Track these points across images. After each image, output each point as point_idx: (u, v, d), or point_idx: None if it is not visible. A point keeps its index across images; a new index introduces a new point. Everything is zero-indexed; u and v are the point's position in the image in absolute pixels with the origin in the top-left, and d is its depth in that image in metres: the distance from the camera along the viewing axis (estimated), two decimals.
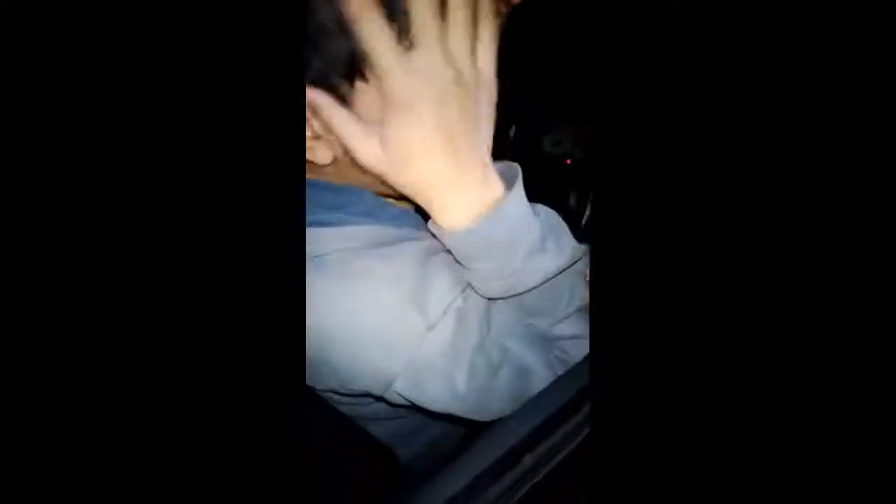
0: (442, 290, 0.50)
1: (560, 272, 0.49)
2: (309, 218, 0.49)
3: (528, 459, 0.44)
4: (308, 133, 0.46)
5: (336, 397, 0.59)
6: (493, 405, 0.52)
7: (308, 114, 0.44)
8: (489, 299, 0.52)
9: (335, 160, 0.48)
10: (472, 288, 0.51)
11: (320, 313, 0.47)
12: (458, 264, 0.50)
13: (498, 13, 0.43)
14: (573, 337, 0.54)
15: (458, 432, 0.71)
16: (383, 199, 0.53)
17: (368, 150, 0.43)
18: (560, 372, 0.53)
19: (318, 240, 0.49)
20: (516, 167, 0.49)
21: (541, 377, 0.52)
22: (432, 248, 0.52)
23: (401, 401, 0.52)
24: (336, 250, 0.49)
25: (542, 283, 0.49)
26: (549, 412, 0.45)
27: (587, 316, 0.54)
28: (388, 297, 0.48)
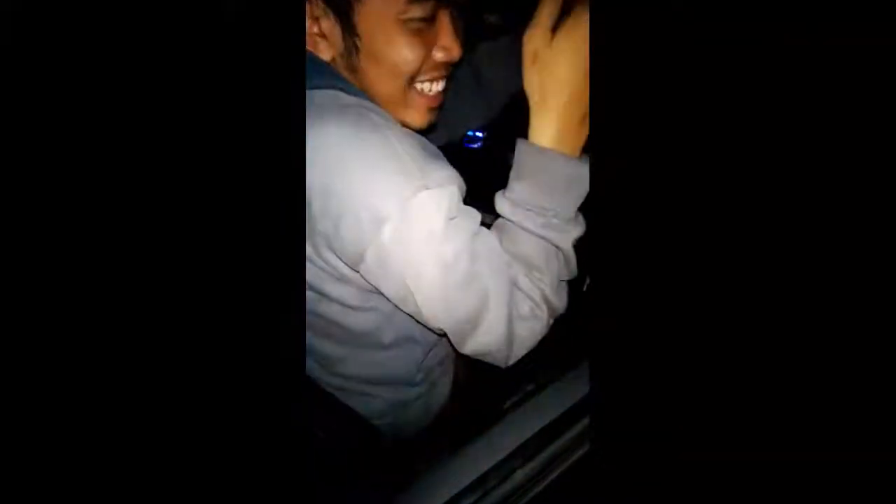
0: (442, 171, 0.53)
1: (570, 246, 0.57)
2: (318, 80, 0.53)
3: (519, 475, 0.42)
4: (315, 30, 0.54)
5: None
6: (457, 311, 0.54)
7: (320, 12, 0.53)
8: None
9: (333, 59, 0.55)
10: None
11: (335, 148, 0.49)
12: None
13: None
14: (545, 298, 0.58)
15: (429, 413, 0.72)
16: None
17: (531, 76, 0.53)
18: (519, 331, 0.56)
19: (333, 97, 0.53)
20: None
21: (497, 316, 0.55)
22: (428, 142, 0.58)
23: (379, 268, 0.52)
24: (350, 104, 0.52)
25: (562, 246, 0.56)
26: (542, 423, 0.43)
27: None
28: (398, 147, 0.51)
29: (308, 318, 0.61)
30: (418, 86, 0.57)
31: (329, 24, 0.52)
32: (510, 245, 0.56)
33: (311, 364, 0.66)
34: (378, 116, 0.52)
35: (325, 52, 0.54)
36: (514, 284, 0.55)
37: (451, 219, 0.52)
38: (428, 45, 0.54)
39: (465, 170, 1.02)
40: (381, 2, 0.50)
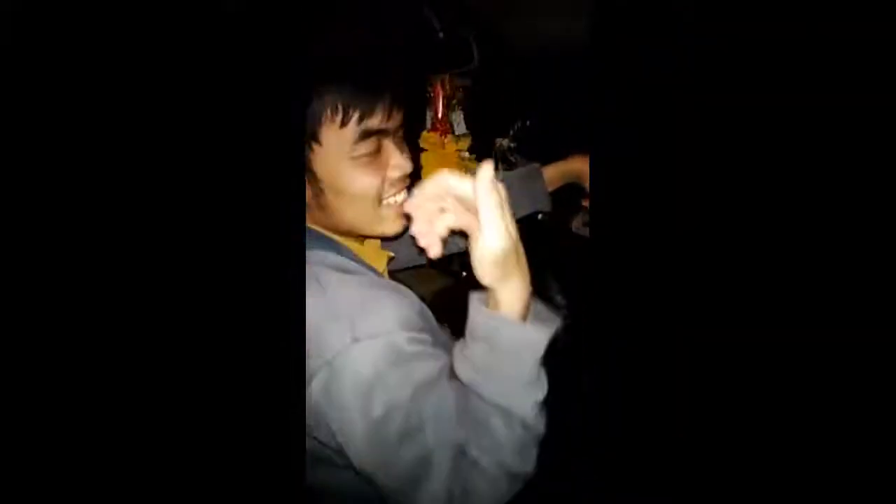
0: (379, 318, 0.55)
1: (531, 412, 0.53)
2: None
3: None
4: None
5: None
6: (394, 469, 0.53)
7: None
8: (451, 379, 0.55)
9: (307, 205, 0.60)
10: (437, 361, 0.56)
11: None
12: (414, 315, 0.58)
13: None
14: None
15: None
16: (330, 236, 0.64)
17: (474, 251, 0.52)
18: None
19: None
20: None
21: (439, 485, 0.52)
22: (384, 283, 0.62)
23: (312, 420, 0.53)
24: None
25: (522, 413, 0.53)
26: None
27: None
28: (327, 304, 0.55)
29: None
30: (385, 202, 0.62)
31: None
32: (464, 407, 0.53)
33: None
34: (323, 268, 0.58)
35: None
36: (462, 453, 0.52)
37: (389, 370, 0.52)
38: (381, 169, 0.61)
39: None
40: (333, 147, 0.57)
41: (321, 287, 0.56)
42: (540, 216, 0.97)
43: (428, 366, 0.54)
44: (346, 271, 0.60)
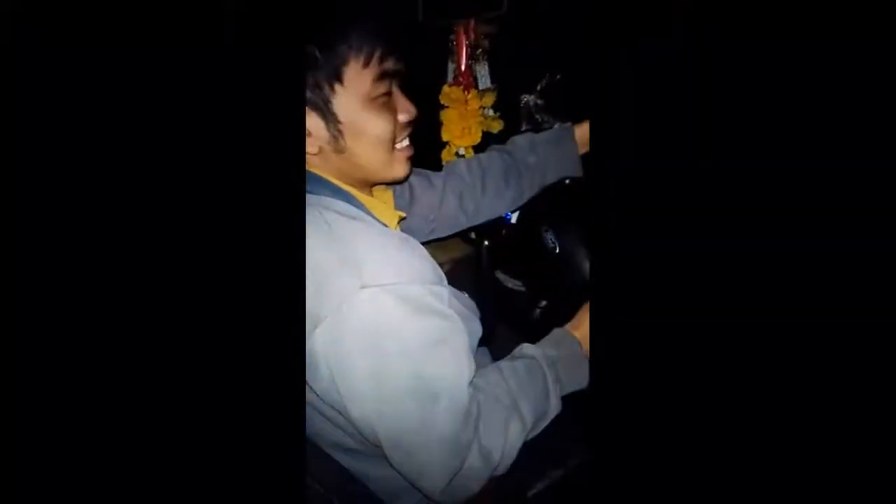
0: (391, 267, 0.56)
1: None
2: None
3: None
4: None
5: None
6: (396, 423, 0.54)
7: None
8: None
9: (320, 150, 0.62)
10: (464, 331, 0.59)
11: None
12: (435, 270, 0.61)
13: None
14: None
15: None
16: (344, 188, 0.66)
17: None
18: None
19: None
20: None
21: (441, 448, 0.55)
22: (396, 234, 0.64)
23: (324, 379, 0.54)
24: (309, 205, 0.58)
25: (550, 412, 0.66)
26: None
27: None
28: (335, 248, 0.55)
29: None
30: (397, 146, 0.65)
31: (312, 122, 0.60)
32: (488, 388, 0.60)
33: (325, 445, 0.64)
34: (335, 214, 0.59)
35: (311, 147, 0.61)
36: (475, 428, 0.56)
37: (400, 320, 0.53)
38: (394, 112, 0.63)
39: (496, 239, 1.02)
40: (354, 88, 0.59)
41: (330, 230, 0.57)
42: (568, 181, 0.91)
43: (445, 324, 0.56)
44: (355, 218, 0.60)
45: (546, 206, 0.91)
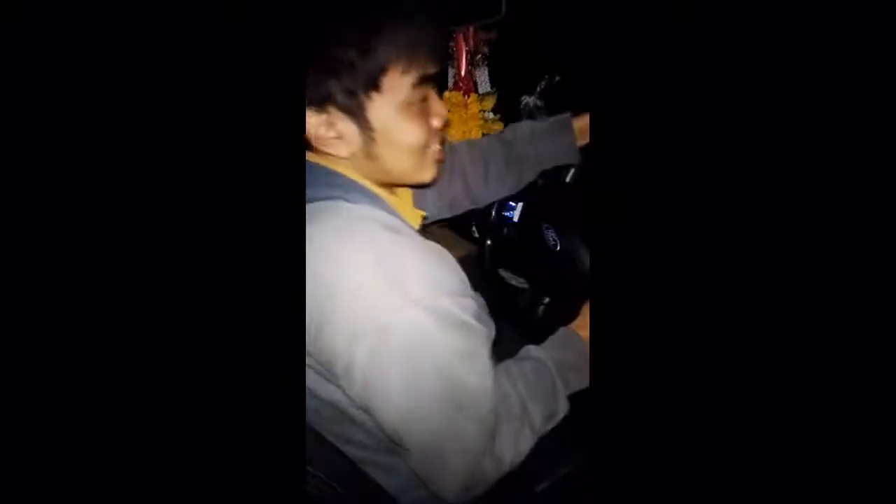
0: (430, 282, 0.56)
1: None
2: (324, 193, 0.60)
3: None
4: (332, 134, 0.60)
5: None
6: (425, 435, 0.56)
7: (335, 118, 0.59)
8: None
9: (351, 154, 0.61)
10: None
11: (326, 264, 0.55)
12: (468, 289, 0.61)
13: None
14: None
15: None
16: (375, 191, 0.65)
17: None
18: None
19: (335, 209, 0.59)
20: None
21: (464, 458, 0.57)
22: (430, 245, 0.62)
23: (357, 385, 0.55)
24: (353, 216, 0.59)
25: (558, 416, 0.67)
26: None
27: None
28: (379, 263, 0.55)
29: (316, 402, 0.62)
30: (429, 151, 0.64)
31: (345, 126, 0.59)
32: (505, 393, 0.61)
33: (332, 438, 0.64)
34: (377, 226, 0.58)
35: (342, 151, 0.61)
36: (492, 438, 0.58)
37: (437, 334, 0.54)
38: (427, 117, 0.62)
39: (499, 237, 1.02)
40: (391, 95, 0.58)
41: (372, 244, 0.56)
42: (568, 180, 0.92)
43: (473, 335, 0.57)
44: (395, 230, 0.59)
45: (548, 204, 0.92)
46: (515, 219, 0.98)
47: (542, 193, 0.93)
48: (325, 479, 0.55)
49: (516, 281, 1.01)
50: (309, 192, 0.58)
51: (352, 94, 0.56)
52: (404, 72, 0.57)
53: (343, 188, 0.61)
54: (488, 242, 1.01)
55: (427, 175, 0.65)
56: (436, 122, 0.63)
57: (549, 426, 0.65)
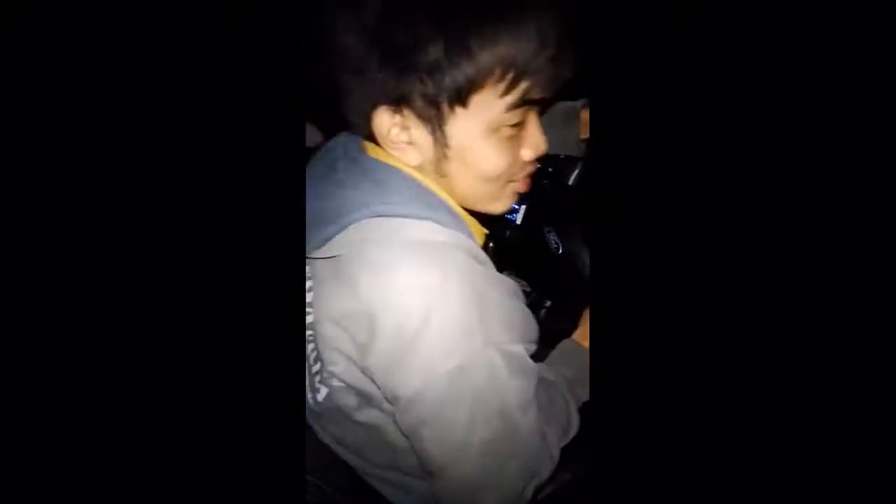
0: (512, 327, 0.55)
1: None
2: (400, 209, 0.54)
3: None
4: (404, 138, 0.54)
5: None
6: (469, 473, 0.55)
7: (411, 123, 0.53)
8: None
9: (420, 165, 0.56)
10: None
11: (418, 292, 0.51)
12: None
13: None
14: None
15: None
16: (456, 210, 0.59)
17: None
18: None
19: (428, 232, 0.55)
20: None
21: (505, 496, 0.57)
22: (511, 284, 0.59)
23: (414, 417, 0.53)
24: (444, 243, 0.54)
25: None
26: None
27: None
28: (472, 300, 0.52)
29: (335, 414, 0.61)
30: (509, 184, 0.58)
31: (419, 134, 0.53)
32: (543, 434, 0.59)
33: (342, 450, 0.64)
34: (468, 258, 0.54)
35: (412, 159, 0.55)
36: (531, 479, 0.57)
37: (509, 381, 0.53)
38: (517, 147, 0.54)
39: (501, 240, 1.02)
40: (476, 113, 0.50)
41: (466, 281, 0.52)
42: (571, 182, 0.91)
43: (532, 383, 0.56)
44: (484, 263, 0.56)
45: (551, 206, 0.91)
46: (518, 221, 0.98)
47: (545, 196, 0.92)
48: (324, 486, 0.55)
49: (520, 284, 1.01)
50: (390, 201, 0.53)
51: (433, 102, 0.49)
52: (503, 92, 0.48)
53: (431, 207, 0.55)
54: (490, 245, 1.00)
55: (499, 207, 0.59)
56: (527, 155, 0.55)
57: (563, 444, 0.64)
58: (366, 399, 0.58)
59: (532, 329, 0.60)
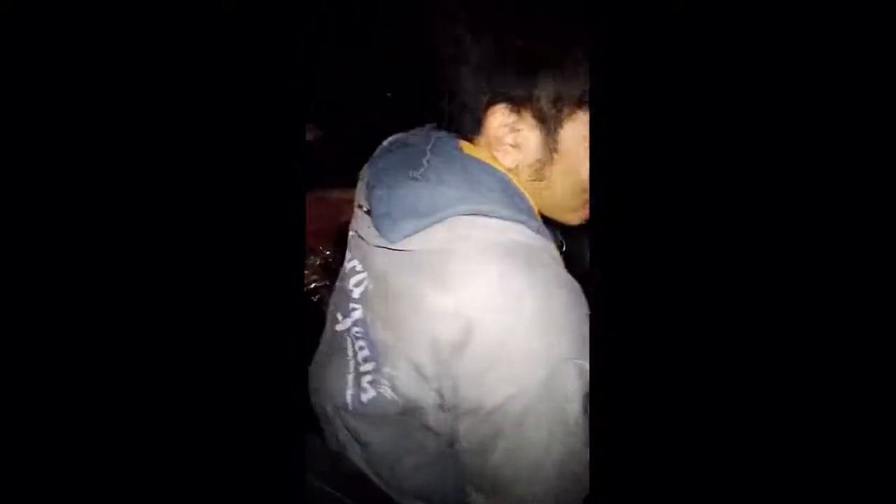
0: (581, 341, 0.52)
1: None
2: (497, 209, 0.54)
3: None
4: (510, 139, 0.55)
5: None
6: (530, 484, 0.53)
7: (524, 125, 0.54)
8: None
9: (515, 166, 0.56)
10: None
11: (516, 299, 0.50)
12: None
13: None
14: None
15: None
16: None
17: None
18: None
19: (520, 231, 0.54)
20: None
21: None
22: (581, 296, 0.57)
23: (495, 425, 0.51)
24: (537, 246, 0.54)
25: None
26: None
27: None
28: (570, 307, 0.52)
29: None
30: (588, 195, 0.58)
31: (530, 136, 0.54)
32: None
33: (366, 459, 0.62)
34: (558, 264, 0.55)
35: (511, 161, 0.56)
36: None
37: (575, 396, 0.52)
38: None
39: None
40: (587, 119, 0.52)
41: (561, 288, 0.52)
42: None
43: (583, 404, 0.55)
44: (566, 286, 0.55)
45: None
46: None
47: None
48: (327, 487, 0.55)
49: None
50: (488, 200, 0.53)
51: (559, 102, 0.51)
52: None
53: (524, 211, 0.55)
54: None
55: (576, 219, 0.61)
56: None
57: None
58: (412, 410, 0.55)
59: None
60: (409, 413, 0.55)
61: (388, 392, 0.55)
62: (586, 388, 0.52)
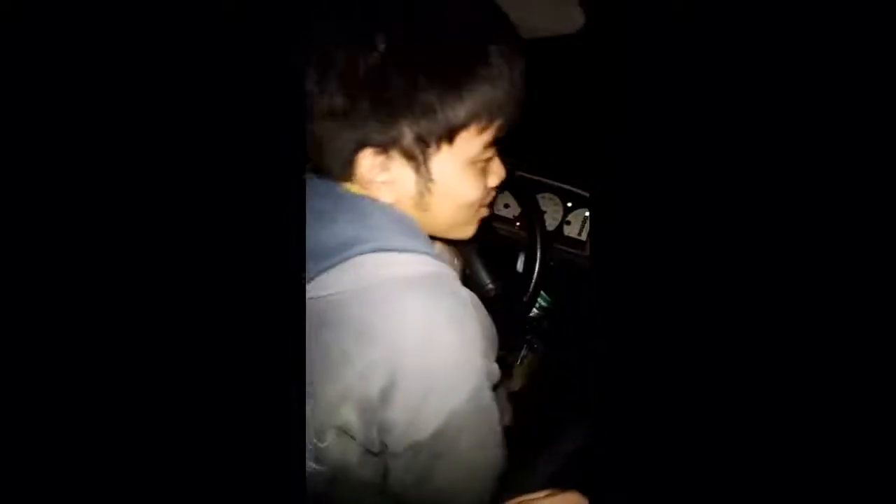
0: (492, 349, 0.58)
1: None
2: (398, 243, 0.57)
3: None
4: (384, 177, 0.57)
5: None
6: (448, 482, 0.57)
7: (393, 164, 0.56)
8: None
9: (396, 201, 0.58)
10: None
11: (424, 328, 0.53)
12: None
13: None
14: None
15: None
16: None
17: None
18: None
19: (431, 270, 0.57)
20: None
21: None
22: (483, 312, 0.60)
23: (432, 452, 0.54)
24: (436, 275, 0.57)
25: None
26: None
27: None
28: (475, 324, 0.55)
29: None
30: (480, 210, 0.63)
31: (401, 172, 0.56)
32: None
33: None
34: (460, 286, 0.58)
35: (388, 196, 0.57)
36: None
37: (496, 395, 0.57)
38: (484, 178, 0.60)
39: None
40: (458, 151, 0.55)
41: (468, 309, 0.55)
42: None
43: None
44: (470, 306, 0.57)
45: None
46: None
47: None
48: None
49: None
50: (387, 236, 0.55)
51: (423, 141, 0.53)
52: (482, 130, 0.54)
53: (420, 240, 0.58)
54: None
55: (470, 231, 0.64)
56: (493, 182, 0.61)
57: None
58: (368, 452, 0.56)
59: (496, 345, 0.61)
60: (370, 454, 0.57)
61: (338, 440, 0.56)
62: (494, 379, 0.57)
